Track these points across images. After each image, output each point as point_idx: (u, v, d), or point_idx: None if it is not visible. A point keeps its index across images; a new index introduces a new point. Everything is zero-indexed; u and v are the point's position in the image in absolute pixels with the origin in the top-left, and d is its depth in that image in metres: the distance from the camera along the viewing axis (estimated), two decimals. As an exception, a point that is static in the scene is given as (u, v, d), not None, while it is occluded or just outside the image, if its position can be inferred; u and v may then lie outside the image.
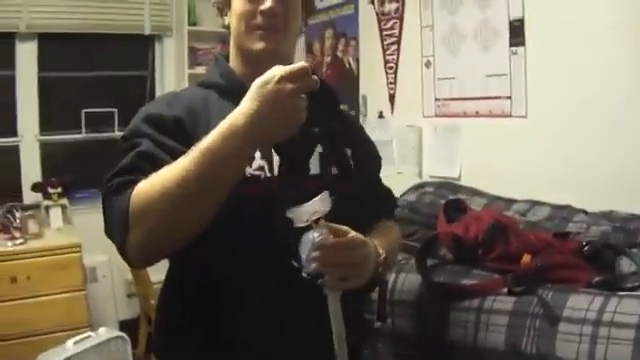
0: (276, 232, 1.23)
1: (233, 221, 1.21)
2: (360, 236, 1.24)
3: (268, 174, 1.33)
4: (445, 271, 1.96)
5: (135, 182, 1.19)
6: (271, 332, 1.30)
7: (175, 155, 1.19)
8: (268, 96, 1.08)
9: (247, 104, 1.10)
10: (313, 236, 1.15)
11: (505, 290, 1.75)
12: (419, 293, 1.93)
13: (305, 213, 1.13)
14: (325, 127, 1.46)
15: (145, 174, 1.19)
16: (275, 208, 1.24)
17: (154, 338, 1.51)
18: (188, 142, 1.19)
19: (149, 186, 1.16)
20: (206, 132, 1.14)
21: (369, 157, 1.64)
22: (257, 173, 1.32)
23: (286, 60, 1.47)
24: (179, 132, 1.30)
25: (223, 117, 1.14)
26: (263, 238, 1.28)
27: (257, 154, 1.31)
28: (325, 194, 1.14)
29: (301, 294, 1.24)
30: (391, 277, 1.98)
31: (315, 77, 1.11)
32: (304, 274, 1.16)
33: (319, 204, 1.14)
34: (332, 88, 1.63)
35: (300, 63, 1.10)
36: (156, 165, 1.19)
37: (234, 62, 1.49)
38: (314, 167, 1.41)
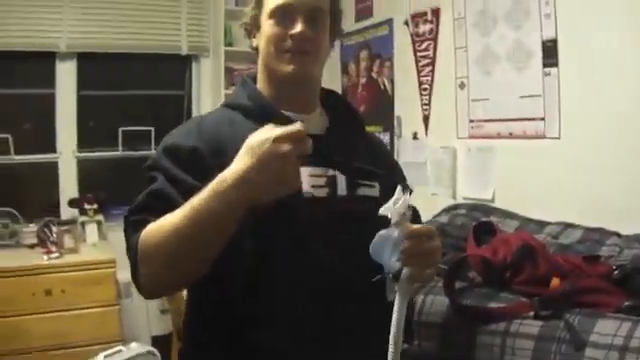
0: (296, 251, 1.25)
1: (252, 240, 1.23)
2: (429, 226, 1.28)
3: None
4: (473, 294, 1.94)
5: (145, 223, 1.25)
6: (290, 347, 1.30)
7: (187, 190, 1.23)
8: (263, 155, 1.09)
9: (242, 161, 1.11)
10: (394, 232, 1.16)
11: (532, 314, 1.73)
12: (446, 315, 1.91)
13: (401, 206, 1.15)
14: (350, 150, 1.47)
15: (156, 214, 1.24)
16: (304, 230, 1.28)
17: (182, 352, 1.54)
18: (204, 172, 1.22)
19: (152, 234, 1.22)
20: (234, 155, 1.16)
21: (394, 179, 1.64)
22: None
23: (314, 84, 1.50)
24: (194, 163, 1.33)
25: None
26: (284, 258, 1.29)
27: None
28: (400, 188, 1.16)
29: (318, 311, 1.26)
30: (419, 299, 1.98)
31: (309, 139, 1.12)
32: (387, 273, 1.17)
33: (405, 199, 1.15)
34: (357, 111, 1.64)
35: (297, 124, 1.11)
36: (168, 203, 1.24)
37: (261, 84, 1.51)
38: (341, 189, 1.43)
